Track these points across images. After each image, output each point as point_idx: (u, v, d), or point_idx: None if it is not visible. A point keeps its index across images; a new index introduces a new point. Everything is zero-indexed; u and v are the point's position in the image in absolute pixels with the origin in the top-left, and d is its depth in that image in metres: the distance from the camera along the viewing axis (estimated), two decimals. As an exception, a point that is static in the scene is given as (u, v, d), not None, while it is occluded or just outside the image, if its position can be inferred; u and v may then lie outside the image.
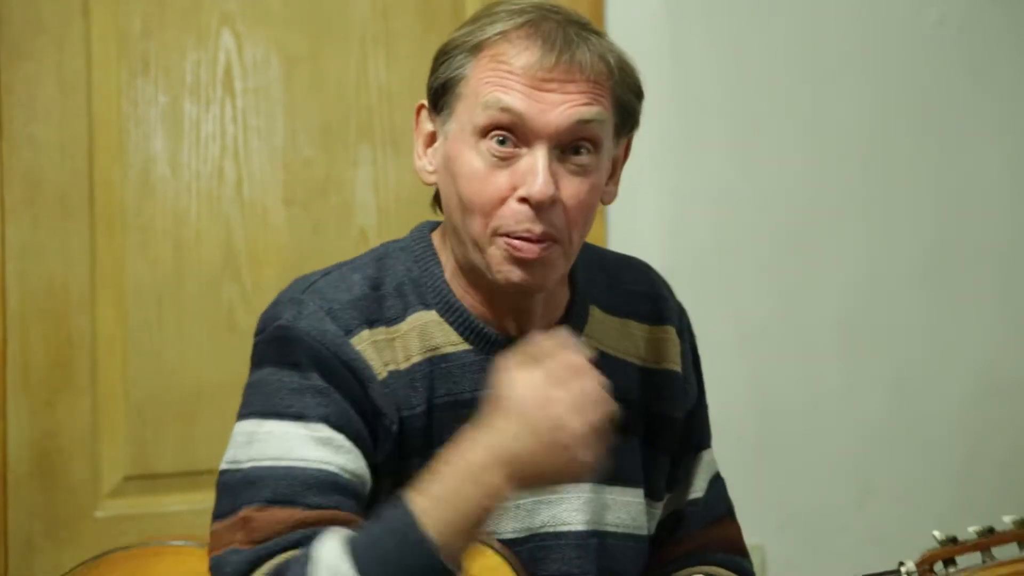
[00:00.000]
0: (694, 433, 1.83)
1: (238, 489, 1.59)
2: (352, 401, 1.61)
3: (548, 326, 1.69)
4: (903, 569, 1.71)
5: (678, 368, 1.80)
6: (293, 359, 1.62)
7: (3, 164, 2.36)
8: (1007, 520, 1.69)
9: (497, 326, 1.69)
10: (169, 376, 2.44)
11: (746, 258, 2.83)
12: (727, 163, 2.73)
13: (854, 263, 2.96)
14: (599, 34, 1.64)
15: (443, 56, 1.64)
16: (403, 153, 2.61)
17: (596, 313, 1.74)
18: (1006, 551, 1.69)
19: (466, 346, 1.67)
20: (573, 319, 1.72)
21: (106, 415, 2.44)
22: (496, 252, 1.60)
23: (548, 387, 1.48)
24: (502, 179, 1.59)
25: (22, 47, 2.38)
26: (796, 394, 2.83)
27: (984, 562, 1.68)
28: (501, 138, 1.59)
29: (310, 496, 1.57)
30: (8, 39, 2.37)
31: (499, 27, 1.63)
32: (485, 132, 1.59)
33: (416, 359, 1.65)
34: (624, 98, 1.64)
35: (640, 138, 1.71)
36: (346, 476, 1.58)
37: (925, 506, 3.00)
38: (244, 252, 2.53)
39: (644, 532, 1.76)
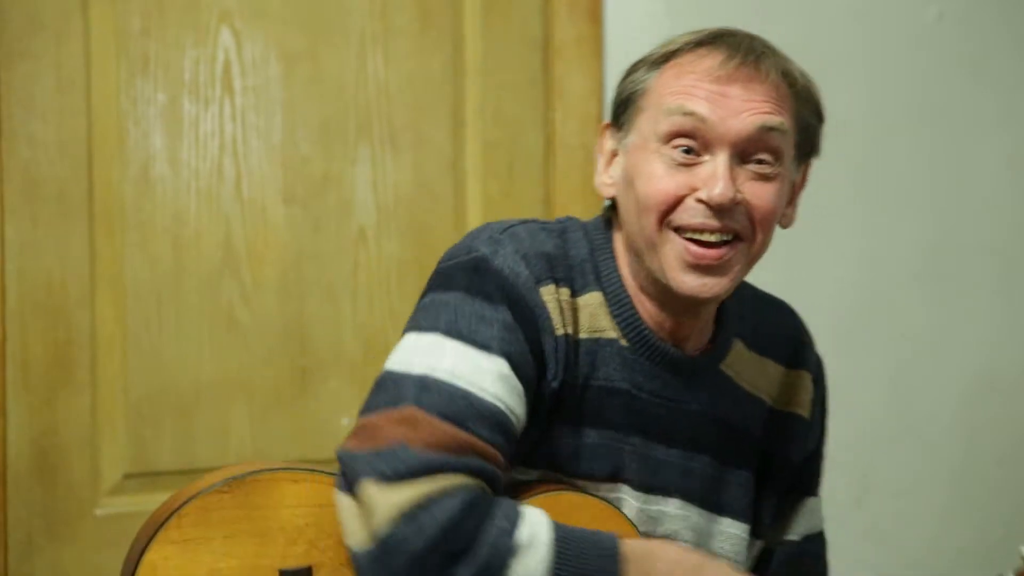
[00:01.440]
0: (804, 477, 1.86)
1: (406, 387, 1.57)
2: (531, 346, 1.62)
3: (696, 347, 1.74)
4: None
5: (806, 414, 1.83)
6: (486, 290, 1.63)
7: (2, 162, 2.36)
8: None
9: (655, 329, 1.71)
10: (168, 374, 2.45)
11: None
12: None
13: (851, 259, 2.96)
14: (785, 56, 1.66)
15: (628, 74, 1.69)
16: (402, 151, 2.61)
17: (738, 346, 1.76)
18: None
19: (624, 340, 1.69)
20: (718, 348, 1.75)
21: (105, 413, 2.44)
22: (670, 252, 1.63)
23: None
24: (681, 179, 1.61)
25: (21, 45, 2.37)
26: None
27: None
28: (685, 147, 1.61)
29: (480, 427, 1.56)
30: (7, 37, 2.36)
31: (685, 39, 1.67)
32: (668, 139, 1.61)
33: (584, 335, 1.68)
34: (807, 118, 1.66)
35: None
36: (512, 418, 1.59)
37: (923, 503, 3.01)
38: (243, 250, 2.53)
39: (741, 564, 1.79)
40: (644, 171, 1.63)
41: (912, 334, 3.02)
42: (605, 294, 1.70)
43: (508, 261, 1.64)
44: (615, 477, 1.70)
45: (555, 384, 1.65)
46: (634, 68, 1.69)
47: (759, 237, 1.64)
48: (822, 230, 2.91)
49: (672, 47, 1.66)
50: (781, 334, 1.82)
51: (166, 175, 2.48)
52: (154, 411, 2.42)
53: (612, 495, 1.70)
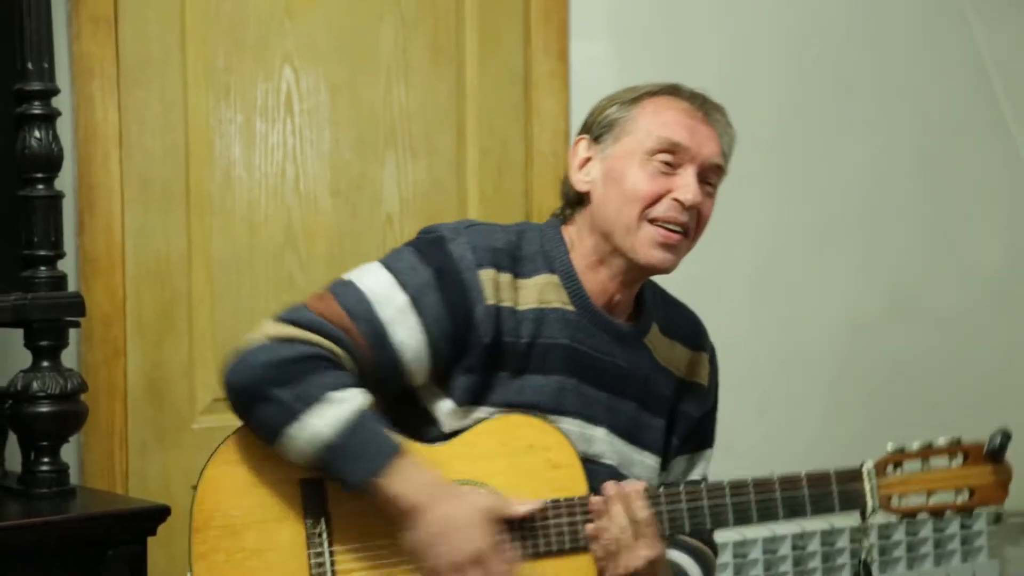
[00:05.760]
0: (706, 434, 1.89)
1: (337, 282, 1.70)
2: (451, 308, 1.68)
3: (624, 318, 1.79)
4: (864, 468, 1.71)
5: (705, 383, 1.87)
6: (428, 256, 1.71)
7: (123, 166, 2.40)
8: (940, 439, 1.72)
9: (596, 300, 1.76)
10: (245, 323, 2.31)
11: None
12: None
13: (761, 232, 3.01)
14: (721, 109, 1.78)
15: (604, 107, 1.76)
16: (418, 156, 2.67)
17: (655, 329, 1.83)
18: (940, 463, 1.73)
19: (571, 307, 1.75)
20: (642, 324, 1.81)
21: (199, 353, 2.48)
22: (645, 235, 1.71)
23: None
24: (661, 183, 1.71)
25: (135, 77, 2.42)
26: (711, 331, 2.84)
27: (922, 469, 1.71)
28: (666, 162, 1.71)
29: (363, 324, 1.65)
30: (124, 71, 2.40)
31: (647, 88, 1.76)
32: (653, 154, 1.71)
33: (532, 306, 1.73)
34: (727, 161, 1.78)
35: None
36: (392, 338, 1.66)
37: (806, 413, 3.06)
38: (301, 231, 2.57)
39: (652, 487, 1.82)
40: (632, 174, 1.71)
41: (794, 289, 3.06)
42: (557, 275, 1.75)
43: (458, 247, 1.71)
44: (557, 410, 1.73)
45: (486, 340, 1.69)
46: (609, 103, 1.76)
47: (696, 236, 1.76)
48: (736, 203, 2.86)
49: (642, 91, 1.76)
50: (686, 325, 1.87)
51: (243, 175, 2.53)
52: (234, 351, 2.48)
53: (556, 423, 1.72)
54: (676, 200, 1.70)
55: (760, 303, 3.03)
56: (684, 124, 1.72)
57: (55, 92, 2.03)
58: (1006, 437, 1.71)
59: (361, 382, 1.65)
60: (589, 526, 1.66)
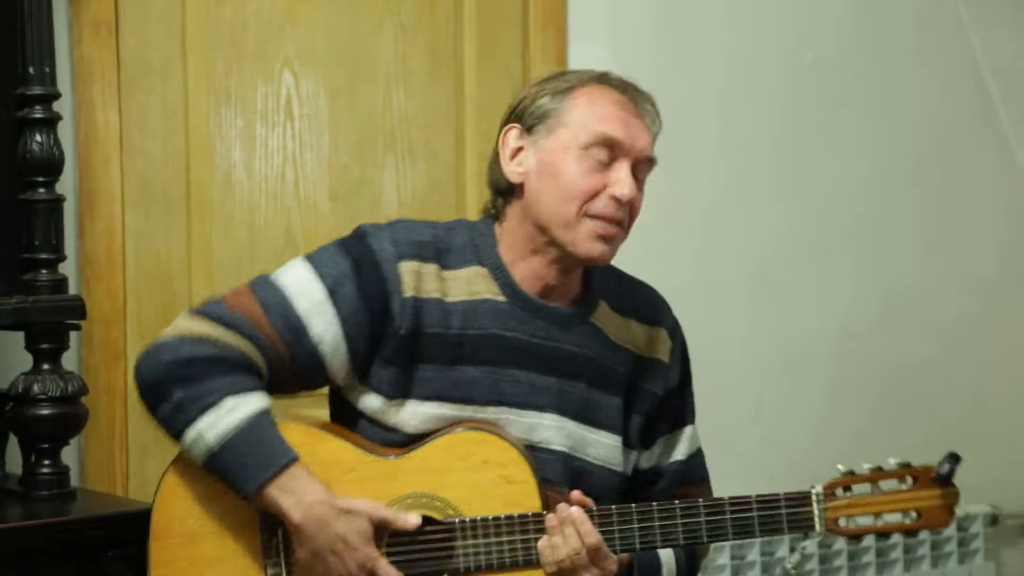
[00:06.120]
0: (679, 412, 1.88)
1: (257, 279, 1.73)
2: (367, 296, 1.69)
3: (564, 301, 1.78)
4: (813, 491, 1.73)
5: (665, 359, 1.85)
6: (350, 248, 1.73)
7: (124, 170, 2.41)
8: (892, 462, 1.74)
9: (528, 289, 1.76)
10: None
11: (673, 238, 2.86)
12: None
13: (758, 237, 3.01)
14: (646, 94, 1.78)
15: (532, 100, 1.74)
16: (417, 161, 2.67)
17: (604, 307, 1.82)
18: (889, 485, 1.74)
19: (502, 297, 1.75)
20: (586, 304, 1.80)
21: None
22: (585, 230, 1.70)
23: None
24: (597, 178, 1.70)
25: (136, 83, 2.43)
26: (709, 335, 2.83)
27: (872, 491, 1.73)
28: (602, 155, 1.70)
29: (277, 318, 1.68)
30: (126, 78, 2.41)
31: (578, 76, 1.76)
32: (588, 147, 1.70)
33: (462, 298, 1.74)
34: (656, 161, 1.78)
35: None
36: (311, 331, 1.67)
37: (802, 419, 3.06)
38: (300, 234, 2.57)
39: (619, 468, 1.81)
40: (568, 170, 1.70)
41: (791, 294, 3.07)
42: (486, 266, 1.75)
43: (379, 240, 1.73)
44: (496, 401, 1.73)
45: (402, 332, 1.70)
46: (540, 92, 1.74)
47: (629, 227, 1.75)
48: (740, 209, 2.99)
49: (572, 80, 1.74)
50: (642, 302, 1.86)
51: (243, 179, 2.54)
52: (234, 353, 2.45)
53: (495, 415, 1.73)
54: (613, 196, 1.70)
55: (757, 308, 3.03)
56: (618, 118, 1.71)
57: (56, 96, 2.04)
58: (955, 461, 1.72)
59: (265, 383, 1.67)
60: (541, 542, 1.67)
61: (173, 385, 1.63)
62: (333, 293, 1.69)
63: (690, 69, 2.91)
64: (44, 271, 2.02)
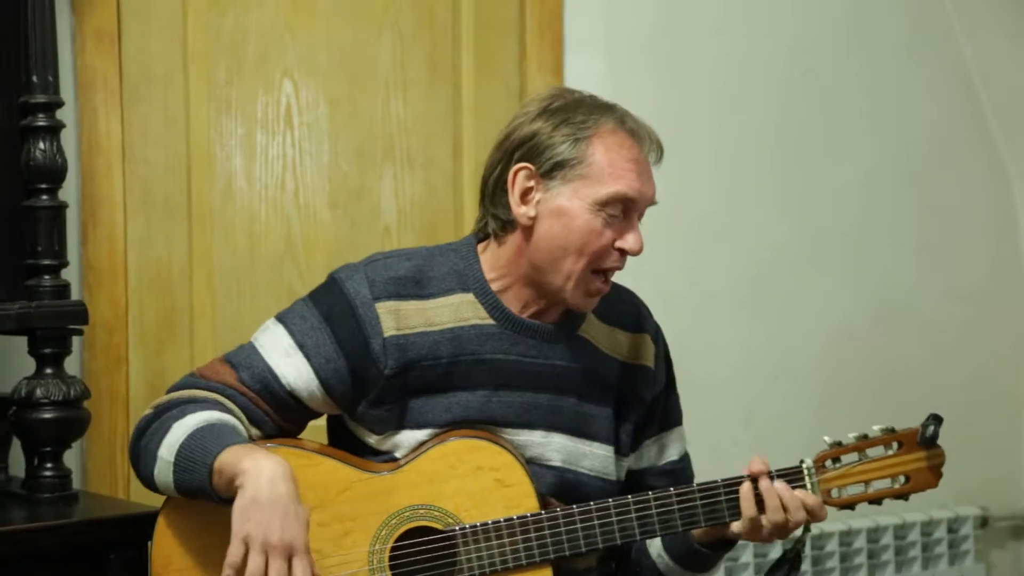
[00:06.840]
0: (668, 414, 1.89)
1: (233, 350, 1.77)
2: (343, 343, 1.71)
3: (554, 318, 1.78)
4: (804, 465, 1.75)
5: (651, 365, 1.85)
6: (319, 301, 1.75)
7: (126, 178, 2.42)
8: (876, 428, 1.76)
9: (516, 309, 1.76)
10: (245, 332, 2.20)
11: (668, 245, 2.80)
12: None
13: (751, 245, 3.01)
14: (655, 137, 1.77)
15: (545, 143, 1.70)
16: (416, 169, 2.68)
17: (591, 319, 1.82)
18: (876, 452, 1.77)
19: (490, 320, 1.75)
20: (573, 319, 1.80)
21: (200, 361, 2.24)
22: (583, 286, 1.71)
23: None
24: (608, 235, 1.70)
25: (138, 92, 2.45)
26: (703, 341, 2.87)
27: (860, 460, 1.75)
28: (616, 211, 1.69)
29: (245, 373, 1.71)
30: (128, 85, 2.43)
31: (600, 121, 1.70)
32: (604, 205, 1.69)
33: (449, 325, 1.74)
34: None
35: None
36: (283, 379, 1.70)
37: (794, 423, 3.04)
38: (300, 242, 2.58)
39: (613, 477, 1.81)
40: (585, 227, 1.69)
41: (789, 303, 3.07)
42: (472, 292, 1.75)
43: (354, 284, 1.73)
44: (489, 421, 1.73)
45: (388, 372, 1.70)
46: (553, 132, 1.69)
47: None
48: (736, 219, 3.00)
49: (589, 128, 1.69)
50: (625, 310, 1.85)
51: (243, 187, 2.55)
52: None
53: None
54: (623, 250, 1.71)
55: (751, 315, 3.04)
56: (635, 172, 1.70)
57: (59, 105, 2.05)
58: (938, 422, 1.74)
59: (232, 415, 1.67)
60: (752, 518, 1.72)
61: (139, 441, 1.68)
62: (302, 345, 1.71)
63: (685, 79, 2.92)
64: (47, 277, 2.03)
